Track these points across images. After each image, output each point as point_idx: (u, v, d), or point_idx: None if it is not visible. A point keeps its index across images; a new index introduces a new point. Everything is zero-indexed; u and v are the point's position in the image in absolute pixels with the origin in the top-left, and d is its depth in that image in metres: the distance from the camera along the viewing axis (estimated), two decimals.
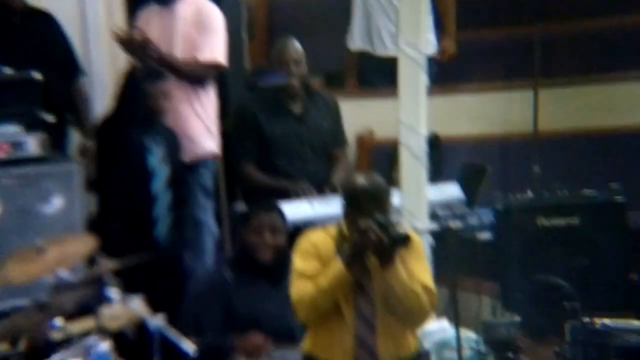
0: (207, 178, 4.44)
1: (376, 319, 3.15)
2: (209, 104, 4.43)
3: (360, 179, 3.19)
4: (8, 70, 4.16)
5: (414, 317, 3.15)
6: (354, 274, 3.11)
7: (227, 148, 4.56)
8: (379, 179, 3.20)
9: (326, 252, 3.21)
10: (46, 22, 4.58)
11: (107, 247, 3.48)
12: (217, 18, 4.39)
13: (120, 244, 3.62)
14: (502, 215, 4.27)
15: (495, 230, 4.26)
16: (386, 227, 3.04)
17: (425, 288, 3.13)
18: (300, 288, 3.18)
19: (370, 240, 3.04)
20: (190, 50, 4.32)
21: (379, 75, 5.21)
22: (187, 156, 4.30)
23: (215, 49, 4.33)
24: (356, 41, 5.33)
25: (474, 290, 4.19)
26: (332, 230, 3.28)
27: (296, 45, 4.38)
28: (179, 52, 4.32)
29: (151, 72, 4.07)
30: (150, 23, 4.38)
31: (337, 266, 3.12)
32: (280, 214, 3.72)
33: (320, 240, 3.26)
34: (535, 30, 5.03)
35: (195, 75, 4.32)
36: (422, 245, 3.31)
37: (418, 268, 3.16)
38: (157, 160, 4.08)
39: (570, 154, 5.08)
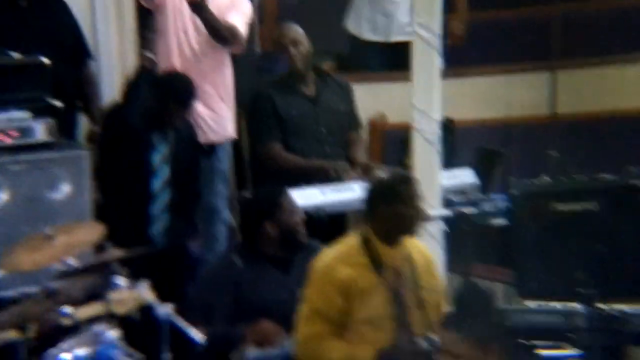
0: (225, 162, 4.43)
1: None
2: (230, 87, 4.45)
3: (392, 173, 3.11)
4: (16, 55, 4.09)
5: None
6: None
7: (239, 133, 4.51)
8: (399, 170, 3.20)
9: (354, 285, 2.99)
10: (55, 5, 4.50)
11: (112, 237, 3.45)
12: (247, 4, 4.45)
13: (119, 236, 3.59)
14: (518, 201, 4.17)
15: (511, 216, 4.18)
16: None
17: None
18: (312, 330, 2.93)
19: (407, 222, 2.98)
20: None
21: (372, 59, 5.21)
22: (208, 138, 4.31)
23: (241, 23, 4.36)
24: (349, 24, 5.34)
25: (488, 277, 4.13)
26: (349, 251, 3.08)
27: (294, 28, 4.38)
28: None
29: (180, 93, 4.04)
30: None
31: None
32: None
33: (343, 274, 3.01)
34: (553, 10, 4.93)
35: (224, 33, 4.30)
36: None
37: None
38: (160, 158, 4.06)
39: (589, 137, 4.98)
